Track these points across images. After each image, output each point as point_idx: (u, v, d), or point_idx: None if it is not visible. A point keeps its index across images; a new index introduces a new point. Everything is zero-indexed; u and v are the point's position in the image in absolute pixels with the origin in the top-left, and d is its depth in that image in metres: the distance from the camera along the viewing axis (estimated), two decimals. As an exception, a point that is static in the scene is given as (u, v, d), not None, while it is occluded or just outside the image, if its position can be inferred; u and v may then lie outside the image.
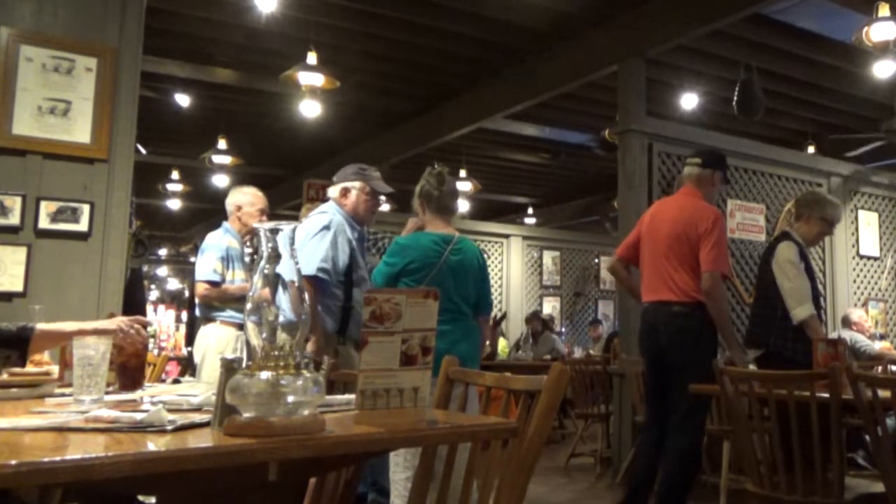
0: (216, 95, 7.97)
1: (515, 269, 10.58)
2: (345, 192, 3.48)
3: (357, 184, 3.47)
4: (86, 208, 3.71)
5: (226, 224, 4.15)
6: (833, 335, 5.46)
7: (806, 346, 3.37)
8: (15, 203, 3.59)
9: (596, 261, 11.69)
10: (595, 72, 6.24)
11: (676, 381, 3.46)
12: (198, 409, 1.45)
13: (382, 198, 3.65)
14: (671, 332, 3.51)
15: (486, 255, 10.25)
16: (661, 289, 3.56)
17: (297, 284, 1.26)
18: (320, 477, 1.79)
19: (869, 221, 6.89)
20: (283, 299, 1.24)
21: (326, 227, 3.29)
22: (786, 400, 2.56)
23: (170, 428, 1.21)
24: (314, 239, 3.27)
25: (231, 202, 4.19)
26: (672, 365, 3.51)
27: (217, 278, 3.92)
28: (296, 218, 5.00)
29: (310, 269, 3.17)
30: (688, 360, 3.44)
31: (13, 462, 0.93)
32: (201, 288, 3.91)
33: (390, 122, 8.78)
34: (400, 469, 3.03)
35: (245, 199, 4.16)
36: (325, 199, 3.62)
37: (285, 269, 1.27)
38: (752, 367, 3.68)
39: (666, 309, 3.53)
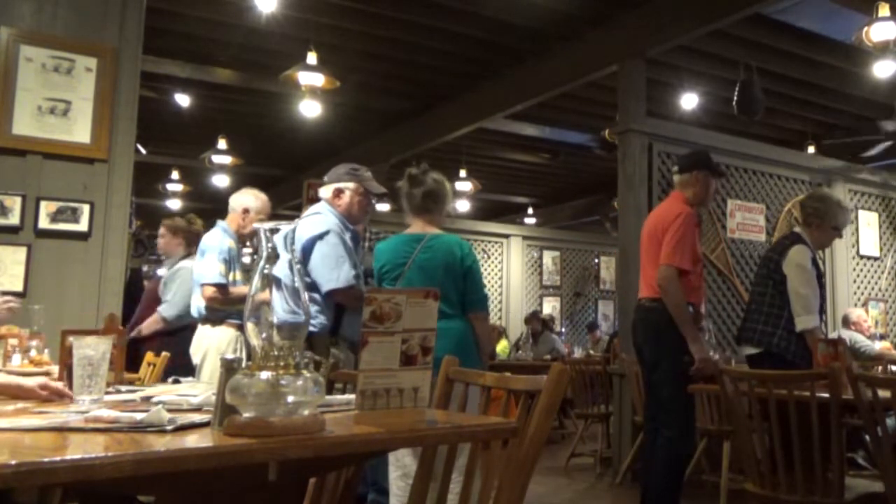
0: (216, 95, 7.96)
1: (515, 269, 10.59)
2: (338, 193, 3.45)
3: (350, 185, 3.45)
4: (86, 208, 3.71)
5: (222, 224, 4.09)
6: (833, 335, 5.46)
7: (808, 353, 3.38)
8: (15, 203, 3.60)
9: (596, 261, 11.69)
10: (595, 72, 6.24)
11: (652, 376, 3.57)
12: (198, 409, 1.45)
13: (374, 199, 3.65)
14: (642, 327, 3.61)
15: (485, 255, 10.27)
16: (641, 287, 3.67)
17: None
18: (320, 477, 1.79)
19: (869, 221, 6.89)
20: (278, 300, 1.24)
21: (327, 232, 3.26)
22: (786, 400, 2.56)
23: (170, 428, 1.21)
24: (327, 250, 3.22)
25: (239, 202, 4.13)
26: (647, 359, 3.60)
27: (223, 280, 3.86)
28: (296, 218, 4.98)
29: (343, 280, 3.17)
30: (656, 354, 3.52)
31: (13, 462, 0.93)
32: (209, 291, 3.84)
33: (390, 122, 8.78)
34: (393, 468, 3.03)
35: (255, 205, 4.12)
36: (326, 199, 3.60)
37: (282, 270, 1.27)
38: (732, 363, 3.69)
39: (640, 305, 3.64)
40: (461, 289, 3.20)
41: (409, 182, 3.29)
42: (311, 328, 3.16)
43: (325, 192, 3.50)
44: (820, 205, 3.76)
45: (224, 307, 3.90)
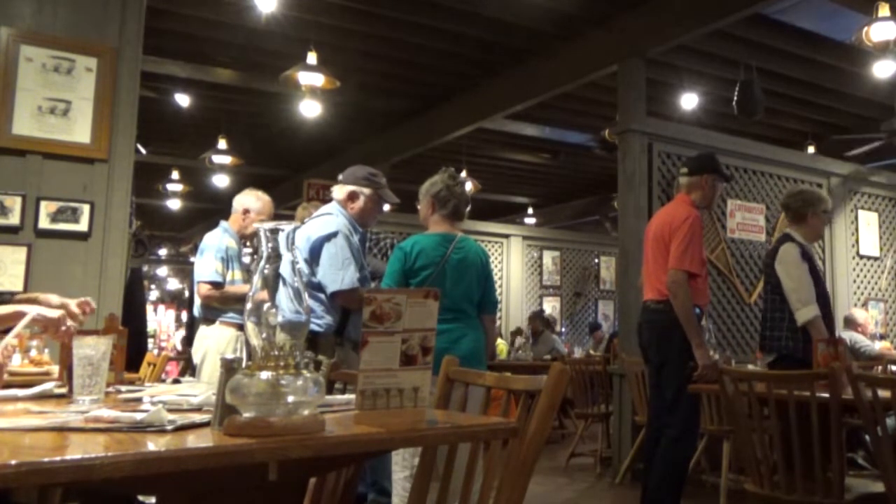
0: (216, 95, 7.96)
1: (515, 269, 10.58)
2: (352, 197, 3.43)
3: (366, 191, 3.43)
4: (86, 208, 3.71)
5: (224, 224, 4.12)
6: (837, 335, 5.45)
7: None
8: (15, 203, 3.59)
9: (596, 261, 11.68)
10: (595, 72, 6.24)
11: (657, 377, 3.58)
12: (198, 409, 1.45)
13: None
14: (649, 329, 3.63)
15: (486, 255, 10.27)
16: (646, 289, 3.69)
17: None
18: (320, 477, 1.79)
19: (869, 221, 6.89)
20: (283, 299, 1.24)
21: (335, 234, 3.27)
22: (786, 400, 2.56)
23: (170, 428, 1.21)
24: (334, 251, 3.23)
25: (240, 203, 4.15)
26: (653, 361, 3.62)
27: (219, 279, 3.90)
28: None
29: (348, 282, 3.19)
30: (662, 355, 3.54)
31: (13, 462, 0.93)
32: (204, 288, 3.89)
33: (390, 122, 8.78)
34: (399, 468, 3.03)
35: (256, 206, 4.13)
36: (324, 200, 3.59)
37: (284, 270, 1.27)
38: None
39: (646, 307, 3.66)
40: (482, 290, 3.31)
41: (458, 184, 3.35)
42: (317, 328, 3.19)
43: (339, 192, 3.47)
44: (803, 198, 3.84)
45: (221, 305, 3.91)
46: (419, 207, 3.40)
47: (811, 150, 8.25)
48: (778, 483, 2.64)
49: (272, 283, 1.25)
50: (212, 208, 13.31)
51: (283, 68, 5.95)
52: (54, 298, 2.02)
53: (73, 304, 1.94)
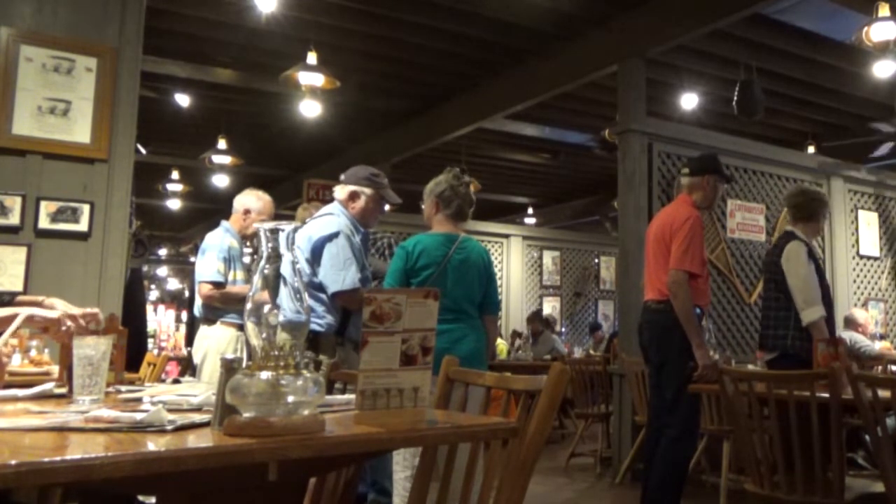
0: (216, 95, 7.96)
1: (515, 269, 10.58)
2: (354, 197, 3.43)
3: (368, 191, 3.43)
4: (86, 208, 3.71)
5: (225, 223, 4.13)
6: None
7: None
8: (15, 203, 3.59)
9: (596, 261, 11.68)
10: (595, 72, 6.24)
11: (658, 377, 3.59)
12: (198, 409, 1.45)
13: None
14: (649, 329, 3.65)
15: (486, 255, 10.26)
16: (647, 289, 3.70)
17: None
18: (320, 477, 1.79)
19: (869, 221, 6.88)
20: (285, 298, 1.24)
21: (337, 234, 3.27)
22: (786, 400, 2.56)
23: (170, 428, 1.21)
24: (335, 251, 3.24)
25: (241, 203, 4.15)
26: (653, 361, 3.63)
27: (221, 279, 3.89)
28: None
29: (349, 283, 3.20)
30: (663, 355, 3.55)
31: (13, 462, 0.93)
32: (206, 288, 3.88)
33: (390, 122, 8.78)
34: (399, 468, 3.04)
35: (257, 206, 4.13)
36: (324, 200, 3.59)
37: (285, 270, 1.27)
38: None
39: (647, 307, 3.68)
40: (484, 291, 3.31)
41: (463, 185, 3.35)
42: (318, 328, 3.19)
43: (340, 192, 3.47)
44: (812, 196, 3.90)
45: (223, 305, 3.91)
46: (423, 207, 3.40)
47: (811, 150, 8.25)
48: (778, 483, 2.64)
49: (273, 283, 1.25)
50: (212, 208, 13.31)
51: (283, 68, 5.95)
52: (59, 303, 2.00)
53: (79, 314, 1.91)
